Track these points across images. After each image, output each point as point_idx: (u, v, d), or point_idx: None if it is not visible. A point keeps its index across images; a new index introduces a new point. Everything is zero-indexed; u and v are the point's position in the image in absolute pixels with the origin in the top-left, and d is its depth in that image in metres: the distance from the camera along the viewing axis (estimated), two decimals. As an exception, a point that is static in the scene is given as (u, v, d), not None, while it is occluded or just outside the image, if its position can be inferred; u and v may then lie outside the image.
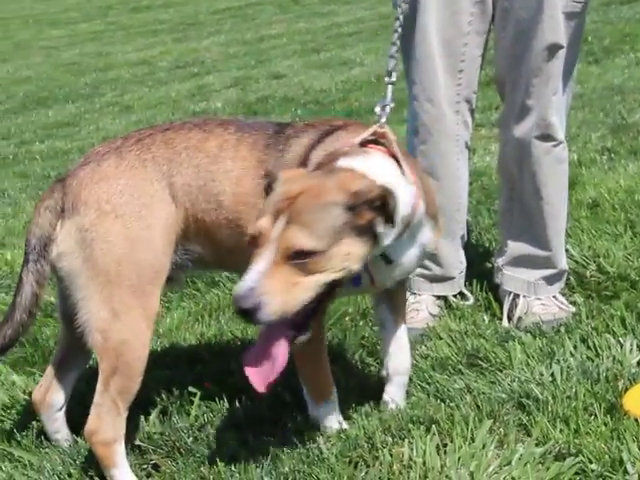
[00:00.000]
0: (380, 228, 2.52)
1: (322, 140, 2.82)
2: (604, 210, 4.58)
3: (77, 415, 3.12)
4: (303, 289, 2.43)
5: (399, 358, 3.13)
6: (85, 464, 3.02)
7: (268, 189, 2.62)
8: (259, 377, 2.53)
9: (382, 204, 2.49)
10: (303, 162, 2.79)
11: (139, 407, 3.12)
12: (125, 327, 2.79)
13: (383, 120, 2.80)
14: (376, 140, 2.74)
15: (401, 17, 3.09)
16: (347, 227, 2.47)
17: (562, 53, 3.46)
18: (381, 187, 2.51)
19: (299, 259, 2.42)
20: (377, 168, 2.61)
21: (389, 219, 2.52)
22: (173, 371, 3.55)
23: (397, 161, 2.69)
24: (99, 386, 2.83)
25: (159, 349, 3.78)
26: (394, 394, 3.13)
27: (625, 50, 8.77)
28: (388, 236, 2.59)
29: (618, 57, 8.61)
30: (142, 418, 3.19)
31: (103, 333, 2.78)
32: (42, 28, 19.67)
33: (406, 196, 2.62)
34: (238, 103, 9.26)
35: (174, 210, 2.87)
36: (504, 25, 3.52)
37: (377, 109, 2.86)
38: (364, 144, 2.73)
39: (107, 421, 2.82)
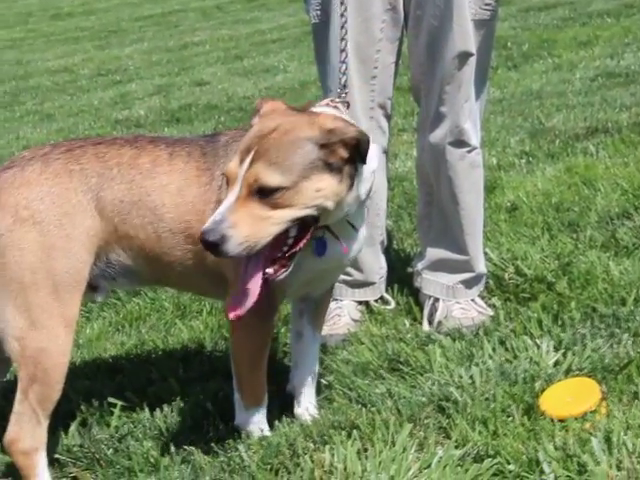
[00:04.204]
0: (353, 170, 2.58)
1: None
2: (522, 213, 4.64)
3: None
4: (271, 223, 2.48)
5: (309, 370, 3.15)
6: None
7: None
8: (231, 306, 2.59)
9: (355, 147, 2.55)
10: None
11: (58, 419, 3.08)
12: (43, 335, 2.75)
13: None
14: None
15: (346, 27, 3.12)
16: (319, 164, 2.52)
17: (472, 60, 3.50)
18: (357, 129, 2.59)
19: (266, 194, 2.47)
20: (349, 119, 2.71)
21: (362, 162, 2.58)
22: (93, 382, 3.51)
23: None
24: (18, 395, 2.79)
25: (79, 360, 3.73)
26: (306, 405, 3.15)
27: (543, 56, 8.89)
28: (362, 183, 2.65)
29: (537, 62, 8.73)
30: (61, 430, 3.15)
31: (20, 341, 2.75)
32: (-40, 35, 19.34)
33: (374, 150, 2.70)
34: (161, 111, 9.18)
35: (98, 223, 2.83)
36: (416, 33, 3.55)
37: None
38: None
39: (27, 430, 2.78)
